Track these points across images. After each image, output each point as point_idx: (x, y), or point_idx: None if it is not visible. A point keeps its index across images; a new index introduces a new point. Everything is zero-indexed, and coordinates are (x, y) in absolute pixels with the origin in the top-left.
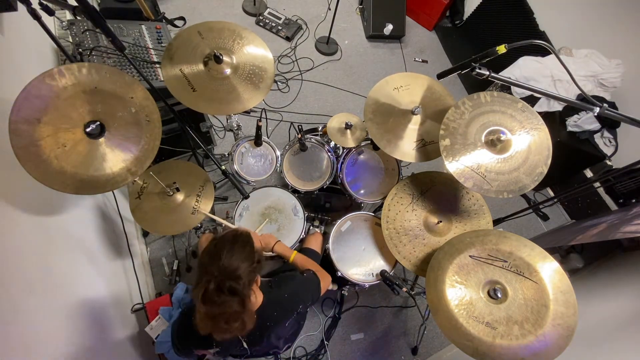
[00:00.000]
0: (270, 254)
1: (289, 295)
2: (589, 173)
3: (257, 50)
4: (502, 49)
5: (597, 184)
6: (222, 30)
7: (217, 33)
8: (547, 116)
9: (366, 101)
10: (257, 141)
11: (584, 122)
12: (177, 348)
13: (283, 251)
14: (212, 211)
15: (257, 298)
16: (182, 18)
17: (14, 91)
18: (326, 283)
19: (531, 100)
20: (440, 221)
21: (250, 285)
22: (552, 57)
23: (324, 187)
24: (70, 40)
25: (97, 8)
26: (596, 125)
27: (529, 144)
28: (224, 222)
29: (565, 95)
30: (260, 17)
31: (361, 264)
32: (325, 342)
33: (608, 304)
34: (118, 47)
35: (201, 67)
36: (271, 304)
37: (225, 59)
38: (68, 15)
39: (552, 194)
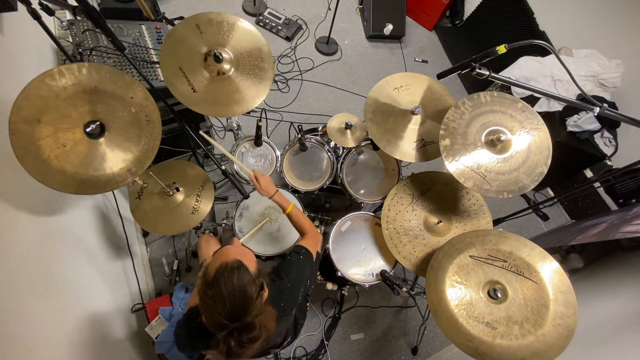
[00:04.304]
0: (271, 254)
1: (292, 284)
2: (589, 173)
3: (245, 30)
4: (502, 49)
5: (597, 184)
6: (211, 23)
7: (206, 27)
8: (547, 116)
9: (366, 101)
10: (257, 141)
11: (584, 122)
12: (184, 348)
13: (281, 201)
14: (212, 211)
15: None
16: (182, 18)
17: (14, 91)
18: (317, 240)
19: (531, 100)
20: (440, 221)
21: (261, 310)
22: (552, 57)
23: (324, 187)
24: (70, 40)
25: (97, 8)
26: (596, 125)
27: (529, 144)
28: (234, 159)
29: (565, 95)
30: (260, 17)
31: (361, 264)
32: (325, 342)
33: (608, 304)
34: (118, 47)
35: (201, 67)
36: (277, 296)
37: (225, 55)
38: (68, 15)
39: (552, 194)
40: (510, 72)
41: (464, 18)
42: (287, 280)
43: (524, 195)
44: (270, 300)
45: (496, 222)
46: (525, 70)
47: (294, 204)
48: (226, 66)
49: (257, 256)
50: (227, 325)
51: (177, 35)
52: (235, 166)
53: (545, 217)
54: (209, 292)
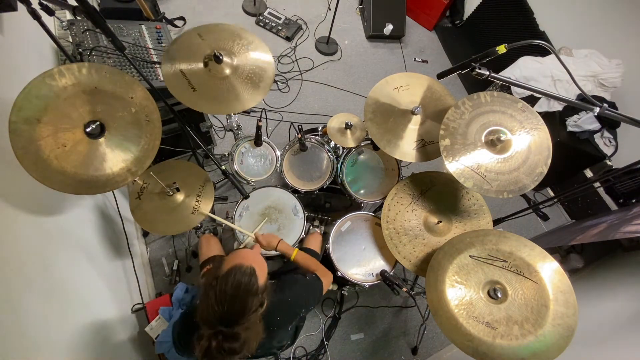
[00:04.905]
0: (271, 253)
1: (293, 300)
2: (589, 173)
3: (257, 53)
4: (502, 49)
5: (597, 184)
6: (221, 32)
7: (217, 35)
8: (547, 116)
9: (366, 101)
10: (257, 141)
11: (584, 122)
12: (179, 349)
13: (285, 250)
14: (212, 211)
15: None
16: (182, 18)
17: (14, 91)
18: (328, 281)
19: (531, 100)
20: (440, 221)
21: (251, 325)
22: (552, 57)
23: (324, 187)
24: (70, 40)
25: (97, 8)
26: (596, 125)
27: (529, 144)
28: (231, 225)
29: (565, 95)
30: (260, 17)
31: (361, 264)
32: (325, 342)
33: (608, 304)
34: (118, 47)
35: (201, 66)
36: (275, 309)
37: (226, 59)
38: (68, 15)
39: (552, 194)
40: (510, 72)
41: (464, 18)
42: (289, 294)
43: (524, 195)
44: (267, 313)
45: (496, 222)
46: (525, 70)
47: (297, 249)
48: (227, 70)
49: None
50: (214, 326)
51: (180, 41)
52: (235, 166)
53: (545, 217)
54: (214, 283)
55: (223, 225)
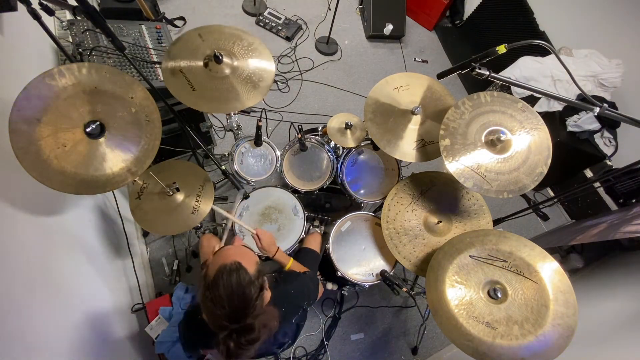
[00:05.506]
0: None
1: (296, 291)
2: (589, 173)
3: (258, 61)
4: (502, 49)
5: (597, 184)
6: (222, 34)
7: (218, 35)
8: (547, 116)
9: (366, 101)
10: (257, 141)
11: (584, 122)
12: (188, 349)
13: (282, 259)
14: (212, 211)
15: (266, 295)
16: (182, 18)
17: (14, 91)
18: (321, 290)
19: (531, 100)
20: (440, 221)
21: (261, 310)
22: (552, 57)
23: (324, 187)
24: (70, 40)
25: (97, 8)
26: (596, 125)
27: (529, 144)
28: (233, 218)
29: (565, 95)
30: (260, 17)
31: (361, 264)
32: (325, 342)
33: (608, 304)
34: (118, 47)
35: (201, 66)
36: (279, 300)
37: (226, 59)
38: (68, 15)
39: (552, 194)
40: (510, 72)
41: (464, 18)
42: (292, 287)
43: (524, 195)
44: (273, 303)
45: (496, 222)
46: (525, 70)
47: (292, 259)
48: (226, 70)
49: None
50: (226, 327)
51: (181, 41)
52: (234, 166)
53: (545, 217)
54: (208, 294)
55: (223, 225)
